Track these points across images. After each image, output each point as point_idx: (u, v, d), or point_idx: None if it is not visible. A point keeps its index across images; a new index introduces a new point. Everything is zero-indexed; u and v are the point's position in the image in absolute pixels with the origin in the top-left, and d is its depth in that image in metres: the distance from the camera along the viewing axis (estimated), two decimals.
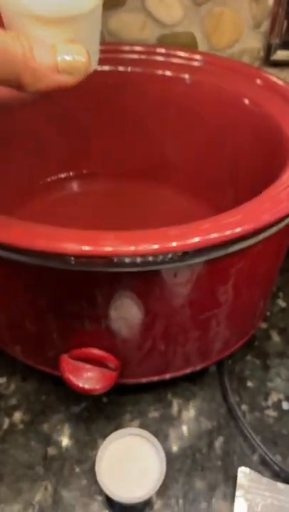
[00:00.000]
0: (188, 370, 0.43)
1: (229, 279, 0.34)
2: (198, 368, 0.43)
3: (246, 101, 0.41)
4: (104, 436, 0.40)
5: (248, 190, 0.42)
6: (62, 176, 0.55)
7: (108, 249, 0.28)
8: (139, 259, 0.28)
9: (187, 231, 0.29)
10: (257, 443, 0.42)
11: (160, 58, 0.47)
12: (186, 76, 0.45)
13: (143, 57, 0.47)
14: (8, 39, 0.22)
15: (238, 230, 0.29)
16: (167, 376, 0.42)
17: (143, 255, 0.28)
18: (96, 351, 0.38)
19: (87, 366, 0.38)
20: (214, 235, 0.29)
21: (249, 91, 0.41)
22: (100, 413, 0.44)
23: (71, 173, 0.55)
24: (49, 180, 0.55)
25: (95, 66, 0.27)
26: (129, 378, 0.42)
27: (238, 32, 0.49)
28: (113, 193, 0.53)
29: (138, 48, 0.47)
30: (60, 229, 0.28)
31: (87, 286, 0.32)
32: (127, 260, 0.28)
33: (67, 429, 0.43)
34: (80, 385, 0.38)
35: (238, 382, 0.47)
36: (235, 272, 0.34)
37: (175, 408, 0.45)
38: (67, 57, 0.24)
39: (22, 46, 0.23)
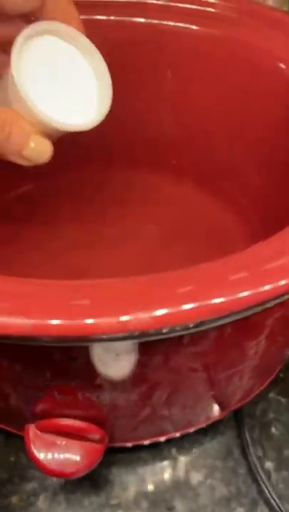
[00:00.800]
0: (196, 428, 0.33)
1: (263, 332, 0.24)
2: (210, 422, 0.33)
3: (282, 65, 0.29)
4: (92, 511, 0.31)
5: (275, 184, 0.31)
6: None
7: (87, 322, 0.17)
8: (129, 335, 0.17)
9: (205, 286, 0.18)
10: None
11: (157, 1, 0.34)
12: (194, 27, 0.32)
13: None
14: None
15: (284, 282, 0.18)
16: (162, 439, 0.32)
17: (134, 330, 0.17)
18: (73, 423, 0.27)
19: (63, 441, 0.28)
20: (247, 293, 0.18)
21: (284, 50, 0.29)
22: (84, 480, 0.34)
23: None
24: None
25: None
26: (118, 442, 0.32)
27: None
28: (97, 186, 0.41)
29: None
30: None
31: (52, 357, 0.22)
32: (113, 336, 0.17)
33: (42, 503, 0.33)
34: (52, 467, 0.28)
35: (260, 429, 0.37)
36: (271, 322, 0.23)
37: (181, 468, 0.35)
38: (34, 153, 0.25)
39: (3, 131, 0.24)
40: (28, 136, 0.25)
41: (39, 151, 0.25)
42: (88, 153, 0.38)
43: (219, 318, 0.18)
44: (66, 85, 0.27)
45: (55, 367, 0.23)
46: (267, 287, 0.18)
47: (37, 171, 0.29)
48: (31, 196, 0.40)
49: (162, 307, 0.17)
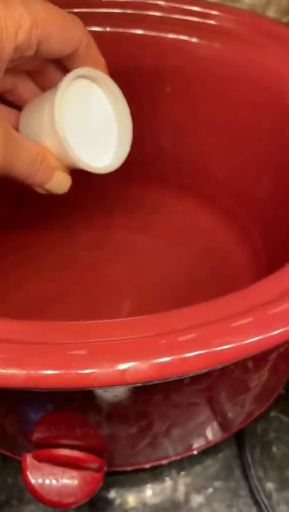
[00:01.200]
0: (195, 451, 0.32)
1: (265, 366, 0.23)
2: (209, 446, 0.33)
3: (281, 80, 0.28)
4: None
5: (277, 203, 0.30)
6: None
7: (88, 372, 0.16)
8: (129, 386, 0.17)
9: (210, 332, 0.17)
10: None
11: (155, 13, 0.32)
12: (194, 40, 0.31)
13: (130, 11, 0.33)
14: (31, 158, 0.26)
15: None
16: (163, 462, 0.32)
17: (135, 382, 0.16)
18: (71, 453, 0.26)
19: (60, 471, 0.27)
20: (255, 339, 0.17)
21: (285, 64, 0.28)
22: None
23: None
24: None
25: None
26: (118, 467, 0.31)
27: None
28: (97, 201, 0.40)
29: None
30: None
31: (50, 397, 0.21)
32: (111, 387, 0.17)
33: None
34: (50, 497, 0.27)
35: (261, 449, 0.36)
36: (275, 356, 0.22)
37: (182, 490, 0.35)
38: (55, 186, 0.28)
39: (33, 167, 0.26)
40: (53, 171, 0.27)
41: (60, 185, 0.28)
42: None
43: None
44: (93, 127, 0.29)
45: (52, 403, 0.22)
46: (273, 333, 0.17)
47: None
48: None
49: (163, 357, 0.16)
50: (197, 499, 0.34)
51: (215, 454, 0.36)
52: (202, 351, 0.16)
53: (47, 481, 0.27)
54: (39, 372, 0.16)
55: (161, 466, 0.35)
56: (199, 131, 0.34)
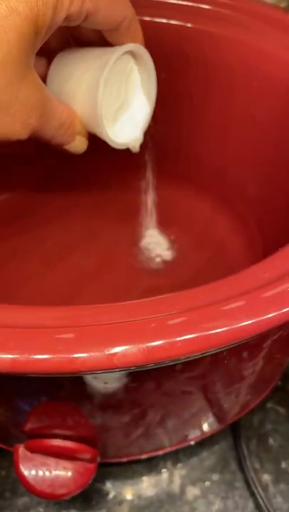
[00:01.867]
0: (190, 442, 0.32)
1: (260, 354, 0.23)
2: (205, 437, 0.32)
3: (280, 65, 0.27)
4: None
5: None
6: None
7: (76, 356, 0.15)
8: (118, 370, 0.16)
9: (201, 316, 0.17)
10: None
11: None
12: (189, 25, 0.30)
13: None
14: (60, 123, 0.27)
15: (286, 310, 0.17)
16: (158, 453, 0.31)
17: (124, 366, 0.16)
18: (63, 443, 0.26)
19: (53, 461, 0.27)
20: (247, 323, 0.16)
21: (282, 48, 0.27)
22: (76, 495, 0.33)
23: None
24: None
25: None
26: (112, 458, 0.31)
27: None
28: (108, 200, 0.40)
29: None
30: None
31: (40, 383, 0.20)
32: (98, 372, 0.16)
33: None
34: (42, 488, 0.27)
35: (257, 441, 0.36)
36: (269, 344, 0.22)
37: (177, 482, 0.34)
38: (73, 148, 0.29)
39: (61, 128, 0.27)
40: (75, 135, 0.28)
41: (78, 147, 0.29)
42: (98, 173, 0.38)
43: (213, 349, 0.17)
44: (123, 102, 0.29)
45: (43, 391, 0.22)
46: (265, 317, 0.16)
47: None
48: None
49: (152, 340, 0.16)
50: (193, 491, 0.34)
51: (211, 446, 0.36)
52: (192, 335, 0.16)
53: (40, 472, 0.27)
54: (26, 356, 0.16)
55: (156, 458, 0.35)
56: (193, 118, 0.34)
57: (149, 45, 0.28)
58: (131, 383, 0.20)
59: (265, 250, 0.32)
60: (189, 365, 0.20)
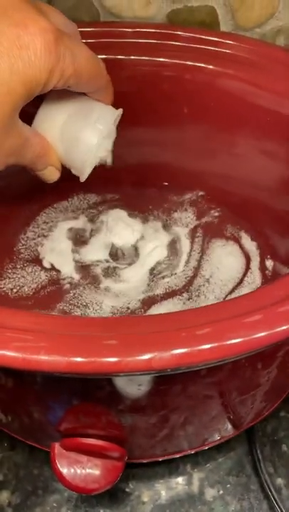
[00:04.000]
0: (209, 446, 0.35)
1: (274, 363, 0.25)
2: (223, 441, 0.35)
3: None
4: None
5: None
6: None
7: (113, 361, 0.19)
8: (152, 372, 0.19)
9: (223, 327, 0.20)
10: None
11: (172, 42, 0.36)
12: (210, 67, 0.34)
13: (149, 40, 0.36)
14: (34, 155, 0.29)
15: None
16: (177, 456, 0.34)
17: (159, 369, 0.19)
18: (95, 442, 0.29)
19: (85, 459, 0.30)
20: (264, 334, 0.19)
21: None
22: (103, 493, 0.36)
23: None
24: None
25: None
26: (135, 459, 0.33)
27: (271, 5, 0.38)
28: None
29: (142, 30, 0.36)
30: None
31: (80, 385, 0.23)
32: (137, 373, 0.19)
33: None
34: (75, 483, 0.29)
35: (271, 447, 0.39)
36: (282, 354, 0.25)
37: (196, 484, 0.37)
38: (44, 177, 0.32)
39: (39, 160, 0.30)
40: (48, 165, 0.31)
41: (49, 177, 0.32)
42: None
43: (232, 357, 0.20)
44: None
45: (81, 394, 0.25)
46: (280, 329, 0.19)
47: None
48: None
49: (183, 347, 0.19)
50: (211, 492, 0.36)
51: (227, 452, 0.38)
52: (217, 343, 0.19)
53: (73, 468, 0.29)
54: (78, 359, 0.19)
55: (177, 461, 0.37)
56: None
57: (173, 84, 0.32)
58: (160, 386, 0.23)
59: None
60: (212, 371, 0.23)
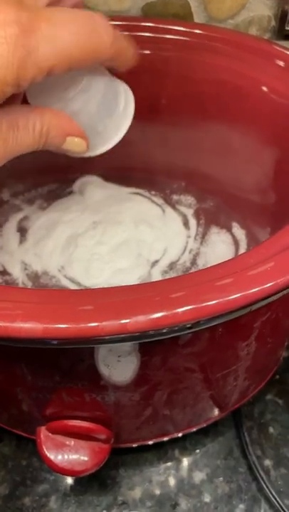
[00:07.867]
0: (197, 428, 0.35)
1: (251, 334, 0.26)
2: (210, 423, 0.35)
3: (264, 88, 0.31)
4: (101, 510, 0.32)
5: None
6: None
7: (90, 325, 0.19)
8: (128, 336, 0.20)
9: (197, 290, 0.20)
10: (284, 510, 0.34)
11: (147, 34, 0.37)
12: (183, 55, 0.35)
13: (124, 33, 0.37)
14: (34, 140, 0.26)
15: (270, 284, 0.20)
16: (165, 439, 0.34)
17: (136, 332, 0.19)
18: (81, 423, 0.29)
19: (71, 442, 0.30)
20: (236, 296, 0.20)
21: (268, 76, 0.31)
22: (93, 481, 0.36)
23: None
24: None
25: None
26: (123, 443, 0.34)
27: None
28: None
29: (118, 22, 0.37)
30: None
31: (61, 360, 0.24)
32: (115, 338, 0.20)
33: (53, 503, 0.35)
34: (62, 465, 0.30)
35: (259, 430, 0.39)
36: (258, 325, 0.25)
37: (184, 468, 0.37)
38: (70, 149, 0.28)
39: (43, 143, 0.26)
40: (65, 138, 0.27)
41: (74, 148, 0.28)
42: None
43: (209, 320, 0.20)
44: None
45: (63, 369, 0.25)
46: (251, 291, 0.20)
47: None
48: None
49: (157, 311, 0.19)
50: (199, 476, 0.37)
51: (215, 436, 0.38)
52: (190, 306, 0.19)
53: (60, 451, 0.30)
54: (54, 326, 0.19)
55: (165, 446, 0.38)
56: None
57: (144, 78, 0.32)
58: (141, 357, 0.23)
59: None
60: (191, 340, 0.23)
